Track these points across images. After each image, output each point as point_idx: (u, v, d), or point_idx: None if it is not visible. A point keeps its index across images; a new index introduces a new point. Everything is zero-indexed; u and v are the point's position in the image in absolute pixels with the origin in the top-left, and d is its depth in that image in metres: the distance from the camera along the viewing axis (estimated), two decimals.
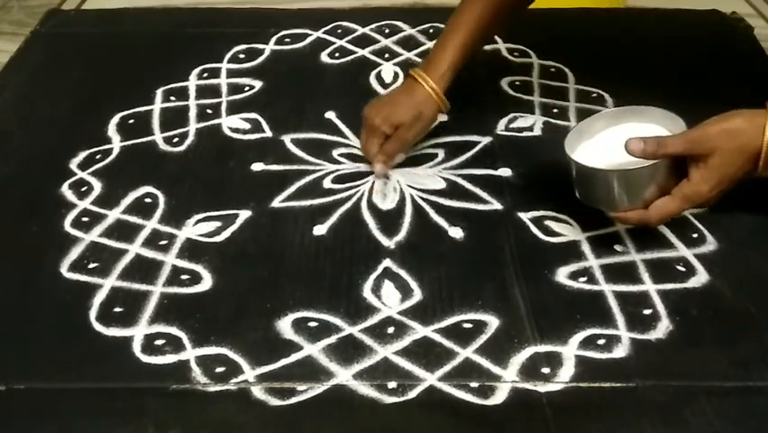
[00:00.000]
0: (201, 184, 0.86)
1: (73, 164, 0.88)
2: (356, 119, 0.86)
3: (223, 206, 0.83)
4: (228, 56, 1.07)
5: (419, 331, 0.69)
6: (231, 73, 1.04)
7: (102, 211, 0.82)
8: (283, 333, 0.69)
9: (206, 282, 0.74)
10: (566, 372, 0.66)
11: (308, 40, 1.11)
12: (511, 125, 0.94)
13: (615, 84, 0.98)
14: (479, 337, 0.69)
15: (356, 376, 0.66)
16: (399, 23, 1.14)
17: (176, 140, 0.92)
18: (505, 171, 0.87)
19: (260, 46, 1.09)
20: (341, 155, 0.90)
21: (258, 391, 0.64)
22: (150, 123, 0.95)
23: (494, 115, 0.95)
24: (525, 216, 0.81)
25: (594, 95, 0.99)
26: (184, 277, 0.75)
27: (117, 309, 0.71)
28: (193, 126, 0.95)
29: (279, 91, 1.01)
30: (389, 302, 0.72)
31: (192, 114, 0.97)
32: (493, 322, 0.70)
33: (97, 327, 0.70)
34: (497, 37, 1.09)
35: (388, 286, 0.74)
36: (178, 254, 0.77)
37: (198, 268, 0.76)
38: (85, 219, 0.81)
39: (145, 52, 1.09)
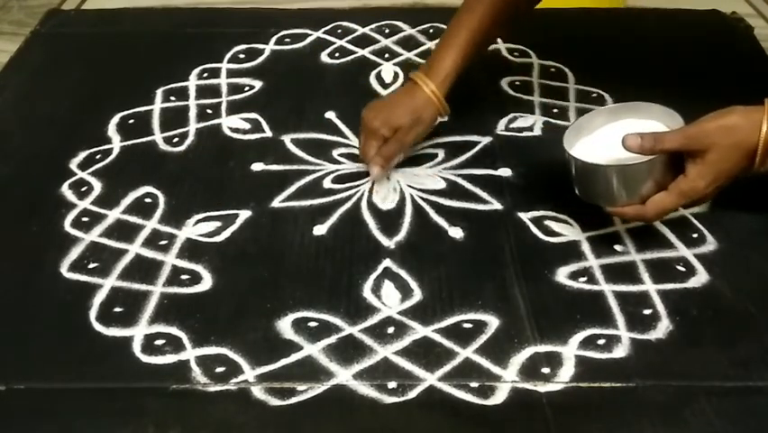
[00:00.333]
0: (201, 184, 0.86)
1: (73, 164, 0.88)
2: (356, 119, 0.86)
3: (223, 206, 0.83)
4: (228, 56, 1.07)
5: (419, 331, 0.69)
6: (231, 73, 1.04)
7: (102, 211, 0.82)
8: (283, 333, 0.69)
9: (206, 282, 0.74)
10: (566, 372, 0.66)
11: (308, 40, 1.11)
12: (511, 125, 0.94)
13: (615, 84, 0.98)
14: (479, 337, 0.69)
15: (356, 376, 0.66)
16: (399, 23, 1.14)
17: (176, 140, 0.92)
18: (505, 171, 0.87)
19: (260, 46, 1.09)
20: (341, 155, 0.90)
21: (258, 391, 0.64)
22: (150, 123, 0.95)
23: (494, 115, 0.95)
24: (525, 216, 0.81)
25: (594, 95, 0.99)
26: (184, 277, 0.75)
27: (117, 309, 0.71)
28: (193, 126, 0.95)
29: (279, 91, 1.01)
30: (389, 302, 0.72)
31: (192, 114, 0.97)
32: (493, 322, 0.70)
33: (97, 326, 0.70)
34: None
35: (388, 286, 0.74)
36: (178, 254, 0.77)
37: (198, 268, 0.76)
38: (85, 219, 0.81)
39: (145, 52, 1.09)
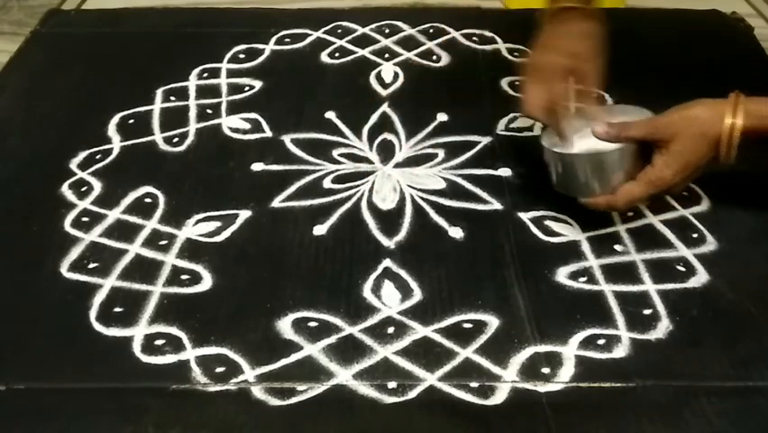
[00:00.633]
0: (201, 184, 0.86)
1: (73, 164, 0.88)
2: (356, 119, 0.86)
3: (223, 206, 0.83)
4: (228, 56, 1.07)
5: (419, 331, 0.69)
6: (231, 73, 1.04)
7: (102, 211, 0.82)
8: (283, 333, 0.69)
9: (206, 282, 0.74)
10: (566, 372, 0.66)
11: (308, 40, 1.11)
12: (511, 125, 0.94)
13: (614, 84, 0.98)
14: (479, 337, 0.69)
15: (356, 376, 0.66)
16: (399, 23, 1.14)
17: (176, 140, 0.92)
18: (505, 171, 0.87)
19: (260, 46, 1.09)
20: (341, 155, 0.90)
21: (258, 391, 0.64)
22: (150, 123, 0.95)
23: (494, 115, 0.95)
24: (525, 216, 0.81)
25: (594, 95, 0.98)
26: (184, 277, 0.75)
27: (117, 309, 0.71)
28: (193, 126, 0.95)
29: (279, 91, 1.01)
30: (389, 302, 0.72)
31: (192, 114, 0.97)
32: (493, 322, 0.70)
33: (97, 326, 0.70)
34: (497, 37, 1.09)
35: (388, 286, 0.74)
36: (178, 254, 0.77)
37: (198, 268, 0.76)
38: (85, 219, 0.81)
39: (145, 52, 1.09)
